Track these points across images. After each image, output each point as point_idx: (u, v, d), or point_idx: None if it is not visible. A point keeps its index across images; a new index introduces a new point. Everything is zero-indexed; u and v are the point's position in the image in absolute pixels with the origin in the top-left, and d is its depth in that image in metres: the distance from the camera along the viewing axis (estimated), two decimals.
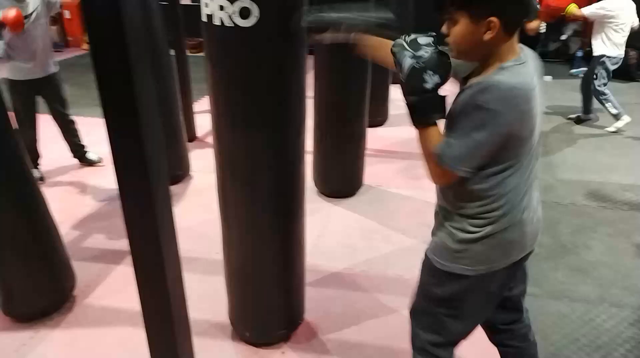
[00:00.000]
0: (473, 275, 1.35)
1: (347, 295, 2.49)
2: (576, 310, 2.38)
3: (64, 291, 2.37)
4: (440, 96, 1.24)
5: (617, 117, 4.66)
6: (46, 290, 2.28)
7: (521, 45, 1.26)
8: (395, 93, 4.73)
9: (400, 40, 1.24)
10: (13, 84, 3.32)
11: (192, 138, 4.35)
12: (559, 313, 2.34)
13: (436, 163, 1.24)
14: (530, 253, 1.44)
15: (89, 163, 3.92)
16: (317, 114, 3.28)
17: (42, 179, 3.63)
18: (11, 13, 2.95)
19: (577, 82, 5.05)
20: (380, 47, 1.48)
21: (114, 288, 2.50)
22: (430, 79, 1.20)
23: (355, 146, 3.37)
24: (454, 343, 1.52)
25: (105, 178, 3.66)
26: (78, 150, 3.87)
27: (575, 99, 5.04)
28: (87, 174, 3.83)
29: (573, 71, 6.77)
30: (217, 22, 1.52)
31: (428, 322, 1.49)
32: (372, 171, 3.71)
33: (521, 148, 1.23)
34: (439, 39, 1.25)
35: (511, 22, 1.17)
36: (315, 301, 2.39)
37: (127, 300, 2.18)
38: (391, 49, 1.26)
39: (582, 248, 2.88)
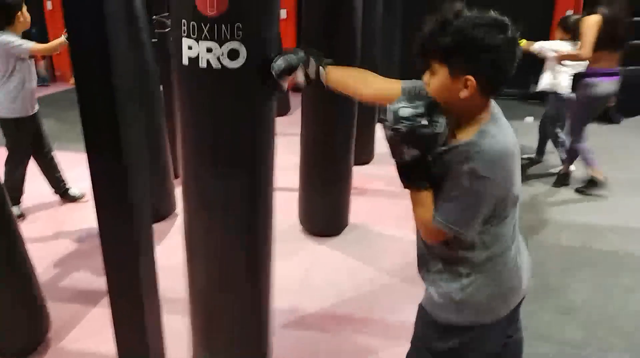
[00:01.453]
0: (477, 326, 1.31)
1: (330, 336, 2.43)
2: (562, 352, 2.35)
3: (37, 334, 2.27)
4: (425, 165, 1.21)
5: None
6: (18, 333, 2.18)
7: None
8: (382, 131, 4.76)
9: (389, 106, 1.19)
10: (20, 122, 3.33)
11: (178, 174, 4.32)
12: (545, 355, 2.31)
13: (429, 226, 1.23)
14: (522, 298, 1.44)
15: (72, 199, 3.86)
16: (304, 152, 3.29)
17: (22, 216, 3.55)
18: None
19: None
20: (344, 76, 1.57)
21: (90, 331, 2.41)
22: (408, 152, 1.17)
23: (341, 184, 3.37)
24: None
25: (87, 214, 3.57)
26: (60, 186, 3.82)
27: None
28: (68, 211, 3.76)
29: None
30: (203, 64, 1.53)
31: None
32: (358, 210, 3.70)
33: (510, 201, 1.25)
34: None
35: (488, 85, 1.17)
36: (298, 343, 2.33)
37: (104, 343, 2.10)
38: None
39: (567, 289, 2.88)
